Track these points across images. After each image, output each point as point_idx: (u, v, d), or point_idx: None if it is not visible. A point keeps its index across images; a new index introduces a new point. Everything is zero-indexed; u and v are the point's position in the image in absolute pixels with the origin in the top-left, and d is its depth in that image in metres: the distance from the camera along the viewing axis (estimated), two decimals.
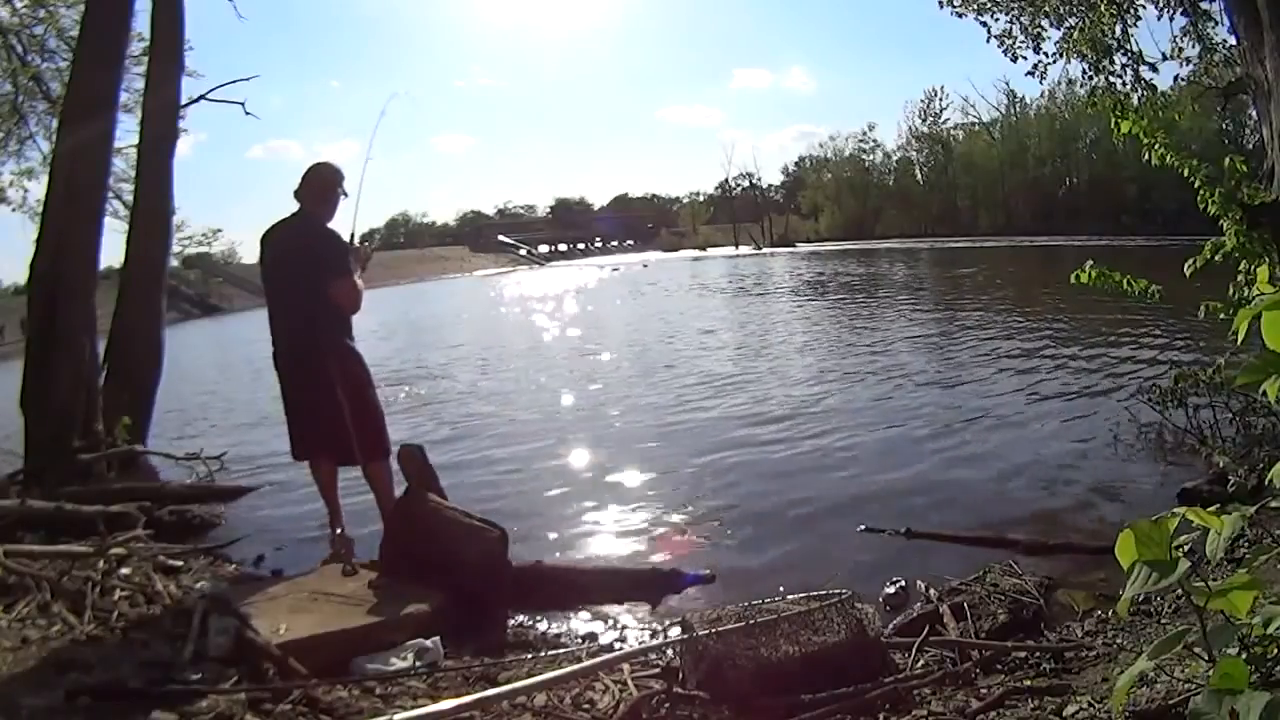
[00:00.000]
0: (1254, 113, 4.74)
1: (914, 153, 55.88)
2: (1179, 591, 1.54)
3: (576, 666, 2.38)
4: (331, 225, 3.73)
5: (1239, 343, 1.26)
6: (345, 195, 3.76)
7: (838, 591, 2.56)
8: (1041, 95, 44.80)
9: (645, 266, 41.06)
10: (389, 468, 3.77)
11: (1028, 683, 2.25)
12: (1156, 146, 3.73)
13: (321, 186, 3.69)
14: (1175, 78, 8.48)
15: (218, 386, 11.19)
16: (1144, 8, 6.99)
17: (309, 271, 3.55)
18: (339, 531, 3.71)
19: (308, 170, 3.71)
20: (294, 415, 3.71)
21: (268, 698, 2.19)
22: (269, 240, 3.68)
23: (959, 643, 2.60)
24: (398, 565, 3.17)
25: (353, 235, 3.80)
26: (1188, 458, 4.51)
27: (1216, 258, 3.71)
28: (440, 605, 2.91)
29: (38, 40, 9.54)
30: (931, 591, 3.03)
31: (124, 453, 5.58)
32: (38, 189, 9.94)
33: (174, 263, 17.98)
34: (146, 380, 6.17)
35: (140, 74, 7.20)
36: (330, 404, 3.53)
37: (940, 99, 53.36)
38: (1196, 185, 3.75)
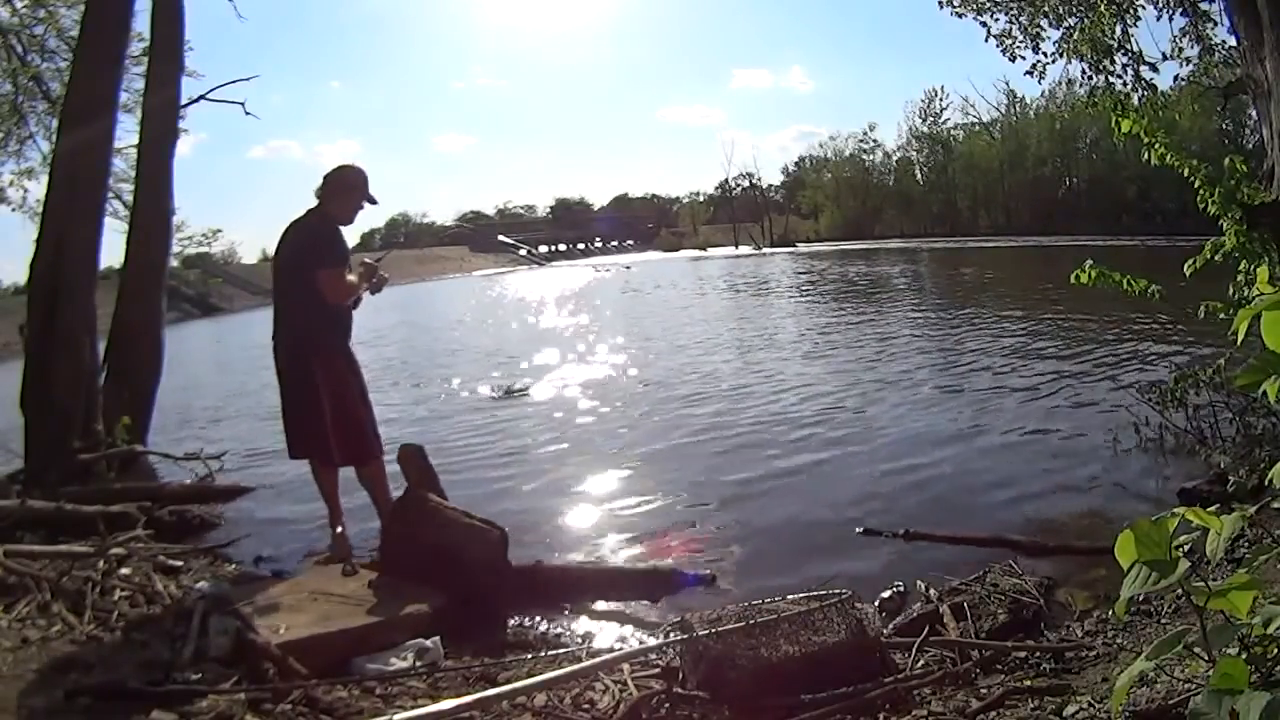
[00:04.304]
0: (1254, 113, 4.74)
1: (914, 153, 55.84)
2: (1179, 591, 1.54)
3: (576, 666, 2.38)
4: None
5: (1239, 343, 1.26)
6: (374, 203, 3.75)
7: (838, 591, 2.56)
8: (1041, 95, 44.80)
9: (629, 269, 40.14)
10: (383, 470, 3.76)
11: (1028, 683, 2.25)
12: (1157, 146, 3.73)
13: (339, 186, 3.67)
14: (1175, 78, 8.47)
15: (217, 386, 11.19)
16: (1144, 8, 6.98)
17: (305, 267, 3.54)
18: (339, 530, 3.71)
19: (334, 168, 3.71)
20: (285, 413, 3.71)
21: (268, 698, 2.19)
22: (282, 238, 3.68)
23: (959, 643, 2.60)
24: (397, 565, 3.17)
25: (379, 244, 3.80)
26: (1188, 458, 4.51)
27: (1216, 258, 3.72)
28: (440, 605, 2.92)
29: (38, 40, 9.53)
30: (931, 592, 3.03)
31: (124, 453, 5.57)
32: (38, 189, 9.97)
33: (174, 263, 17.94)
34: (146, 380, 6.17)
35: (140, 74, 7.21)
36: (313, 404, 3.53)
37: (940, 99, 53.35)
38: (1196, 185, 3.75)
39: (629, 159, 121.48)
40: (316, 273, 3.51)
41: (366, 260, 3.85)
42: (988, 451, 5.07)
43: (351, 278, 3.67)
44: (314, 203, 3.68)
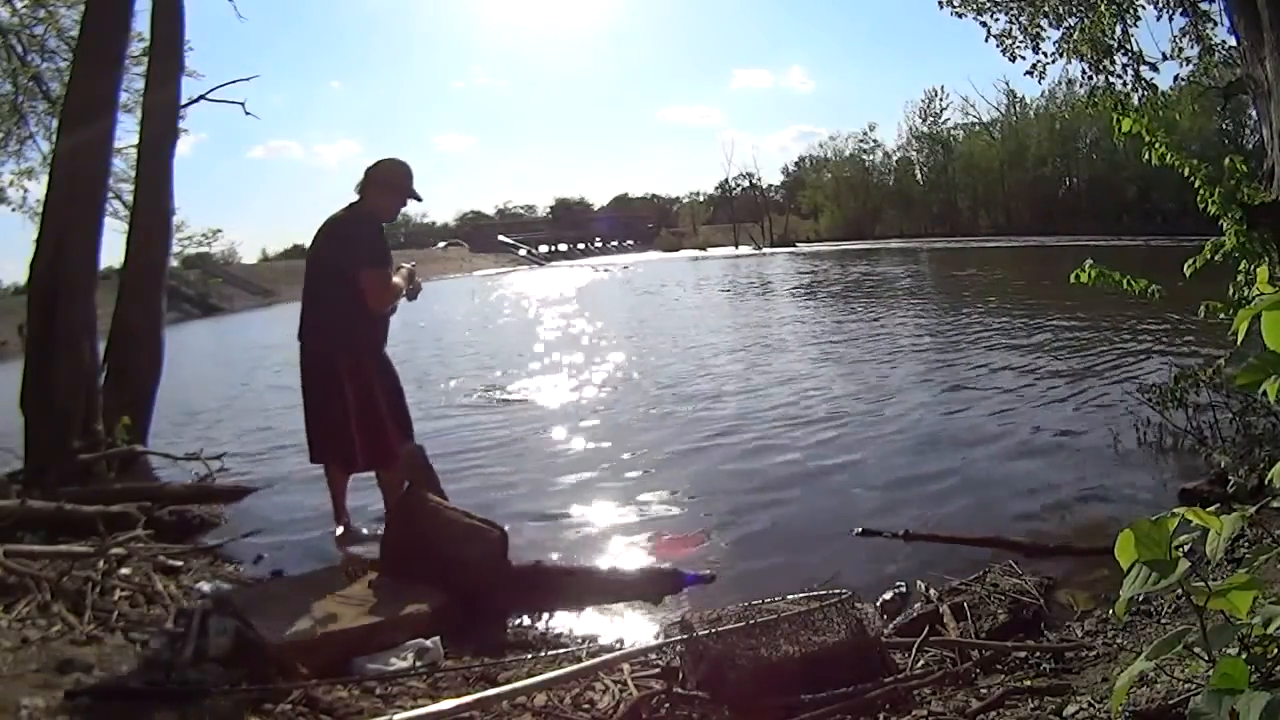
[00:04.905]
0: (1254, 113, 4.75)
1: (914, 153, 55.83)
2: (1179, 591, 1.54)
3: (576, 666, 2.38)
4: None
5: (1239, 343, 1.26)
6: (418, 199, 3.61)
7: (838, 591, 2.56)
8: (1041, 95, 44.82)
9: (626, 269, 39.66)
10: (400, 477, 3.68)
11: (1028, 683, 2.25)
12: (1157, 146, 3.73)
13: (382, 180, 3.51)
14: (1175, 78, 8.48)
15: (217, 387, 11.19)
16: (1144, 8, 6.99)
17: (340, 263, 3.38)
18: (339, 531, 3.69)
19: (375, 162, 3.56)
20: (307, 416, 3.59)
21: (268, 698, 2.19)
22: (318, 231, 3.52)
23: (959, 643, 2.60)
24: (398, 565, 3.17)
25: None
26: (1188, 458, 4.51)
27: (1216, 258, 3.72)
28: (440, 605, 2.91)
29: (38, 40, 9.53)
30: (931, 592, 3.03)
31: (124, 453, 5.57)
32: (38, 189, 9.96)
33: (174, 263, 17.95)
34: (146, 380, 6.17)
35: (140, 74, 7.20)
36: (338, 407, 3.41)
37: (940, 99, 53.33)
38: (1196, 185, 3.75)
39: (629, 159, 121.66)
40: (359, 273, 3.33)
41: (404, 265, 3.69)
42: (987, 452, 5.06)
43: (397, 280, 3.51)
44: (355, 192, 3.50)
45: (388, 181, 3.55)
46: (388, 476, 3.68)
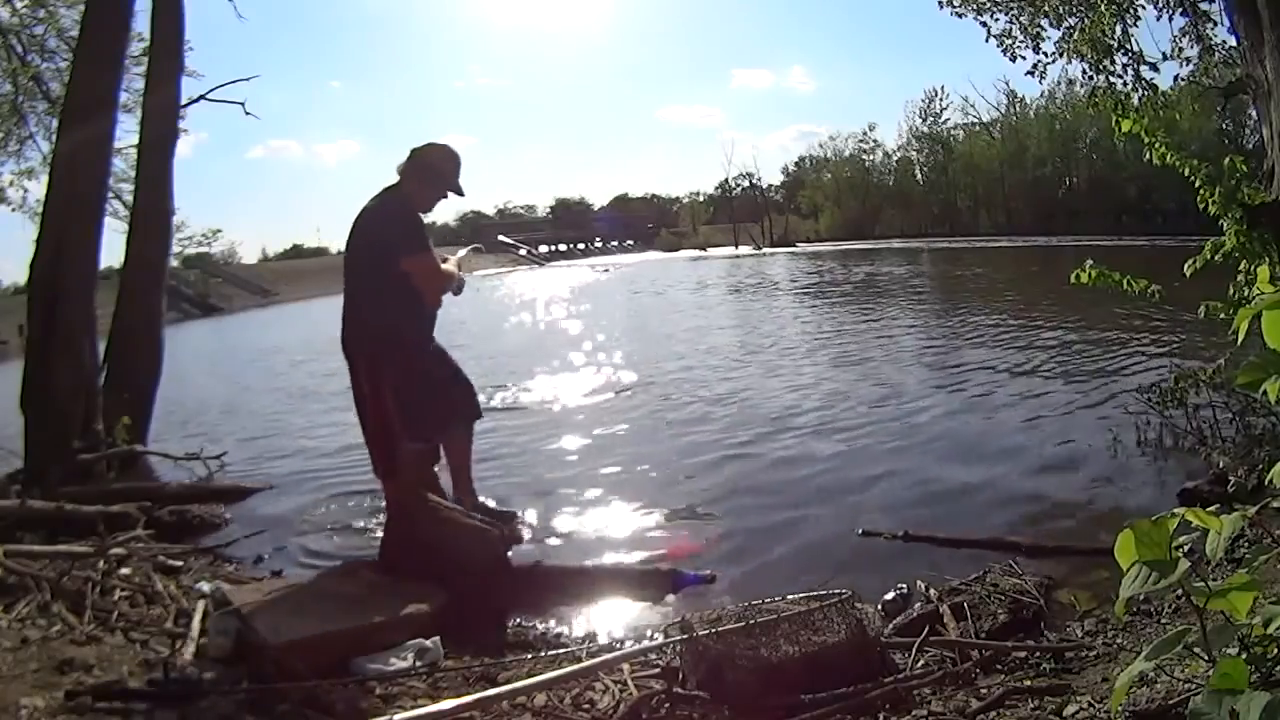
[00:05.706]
0: (1254, 113, 4.74)
1: (914, 153, 55.90)
2: (1179, 592, 1.54)
3: (576, 666, 2.38)
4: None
5: (1239, 343, 1.26)
6: (460, 194, 3.36)
7: (838, 591, 2.55)
8: (1041, 95, 44.89)
9: (618, 268, 39.29)
10: (398, 488, 3.53)
11: (1028, 683, 2.25)
12: (1157, 146, 3.73)
13: (424, 166, 3.27)
14: (1175, 78, 8.46)
15: (217, 387, 11.19)
16: (1144, 8, 6.98)
17: (374, 253, 3.22)
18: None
19: (420, 145, 3.32)
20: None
21: (268, 698, 2.19)
22: (357, 217, 3.33)
23: (959, 643, 2.60)
24: (398, 565, 3.17)
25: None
26: (1188, 458, 4.50)
27: (1216, 258, 3.71)
28: (440, 605, 2.91)
29: (38, 40, 9.53)
30: (931, 592, 3.02)
31: (124, 453, 5.58)
32: (38, 189, 9.95)
33: (174, 263, 17.93)
34: (146, 380, 6.18)
35: (140, 74, 7.20)
36: (359, 401, 3.32)
37: (940, 99, 53.37)
38: (1196, 185, 3.75)
39: (629, 159, 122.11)
40: (404, 260, 3.13)
41: (449, 255, 3.54)
42: (988, 452, 5.06)
43: (448, 267, 3.32)
44: (396, 174, 3.31)
45: (432, 167, 3.31)
46: (386, 486, 3.64)
